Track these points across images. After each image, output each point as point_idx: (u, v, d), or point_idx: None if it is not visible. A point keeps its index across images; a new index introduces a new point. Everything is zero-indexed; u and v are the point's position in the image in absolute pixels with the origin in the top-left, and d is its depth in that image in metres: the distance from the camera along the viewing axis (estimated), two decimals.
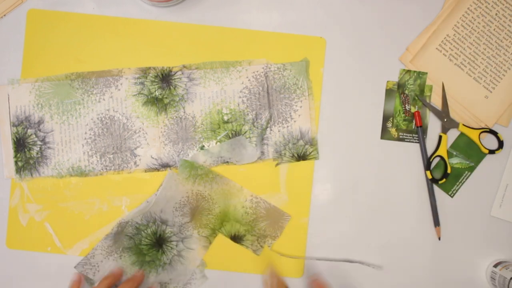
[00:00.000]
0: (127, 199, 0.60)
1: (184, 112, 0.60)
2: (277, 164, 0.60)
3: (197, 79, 0.60)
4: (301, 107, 0.60)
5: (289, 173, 0.60)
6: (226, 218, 0.59)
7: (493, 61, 0.61)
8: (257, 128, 0.60)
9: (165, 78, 0.60)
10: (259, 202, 0.60)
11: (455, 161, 0.61)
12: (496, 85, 0.61)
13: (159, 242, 0.59)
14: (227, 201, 0.59)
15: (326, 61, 0.61)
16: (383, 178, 0.61)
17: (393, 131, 0.61)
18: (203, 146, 0.60)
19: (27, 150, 0.60)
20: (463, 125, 0.61)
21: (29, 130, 0.60)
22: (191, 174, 0.59)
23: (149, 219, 0.59)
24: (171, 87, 0.60)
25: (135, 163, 0.60)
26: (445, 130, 0.61)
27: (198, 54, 0.61)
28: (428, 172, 0.60)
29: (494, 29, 0.61)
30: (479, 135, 0.60)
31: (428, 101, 0.61)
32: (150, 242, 0.59)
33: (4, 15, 0.61)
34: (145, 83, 0.60)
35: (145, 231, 0.59)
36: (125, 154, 0.60)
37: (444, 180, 0.60)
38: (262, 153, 0.60)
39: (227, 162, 0.60)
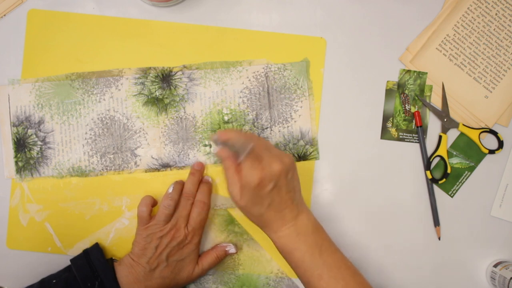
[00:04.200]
0: (127, 199, 0.60)
1: (185, 112, 0.60)
2: None
3: (198, 79, 0.60)
4: (301, 107, 0.60)
5: None
6: (247, 282, 0.59)
7: (493, 61, 0.61)
8: (258, 128, 0.60)
9: (166, 78, 0.60)
10: (283, 279, 0.60)
11: (455, 161, 0.61)
12: (496, 85, 0.61)
13: None
14: (253, 267, 0.60)
15: (327, 61, 0.61)
16: (383, 178, 0.61)
17: (393, 131, 0.61)
18: (206, 144, 0.60)
19: (27, 150, 0.60)
20: (463, 125, 0.61)
21: (29, 130, 0.60)
22: (227, 229, 0.60)
23: None
24: (172, 87, 0.60)
25: (135, 163, 0.60)
26: (445, 130, 0.61)
27: (199, 54, 0.61)
28: (428, 172, 0.60)
29: (494, 29, 0.61)
30: (479, 135, 0.60)
31: (428, 101, 0.61)
32: None
33: (5, 15, 0.61)
34: (146, 83, 0.60)
35: None
36: (125, 154, 0.60)
37: (444, 180, 0.60)
38: None
39: None
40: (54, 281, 0.53)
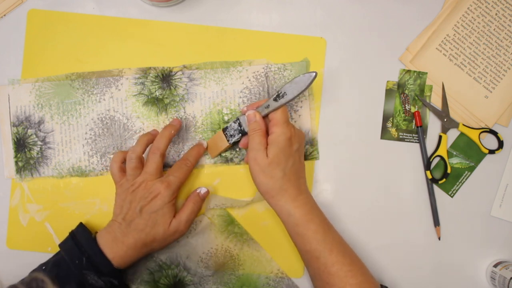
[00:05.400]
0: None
1: (185, 112, 0.60)
2: None
3: (198, 79, 0.60)
4: (301, 107, 0.60)
5: None
6: (247, 283, 0.59)
7: (493, 61, 0.61)
8: None
9: (166, 78, 0.60)
10: (283, 279, 0.59)
11: (455, 161, 0.61)
12: (496, 85, 0.61)
13: (177, 286, 0.59)
14: (253, 267, 0.59)
15: (327, 61, 0.61)
16: (383, 178, 0.61)
17: (393, 131, 0.61)
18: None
19: (27, 150, 0.60)
20: (463, 125, 0.61)
21: (29, 130, 0.60)
22: (227, 229, 0.59)
23: (173, 261, 0.59)
24: (172, 87, 0.60)
25: None
26: (445, 130, 0.61)
27: (199, 54, 0.61)
28: (428, 172, 0.60)
29: (494, 29, 0.61)
30: (479, 135, 0.60)
31: (428, 101, 0.61)
32: (168, 283, 0.59)
33: (5, 15, 0.61)
34: (146, 83, 0.60)
35: (167, 271, 0.59)
36: None
37: (444, 180, 0.60)
38: None
39: (227, 162, 0.60)
40: (43, 267, 0.52)
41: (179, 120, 0.58)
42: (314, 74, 0.50)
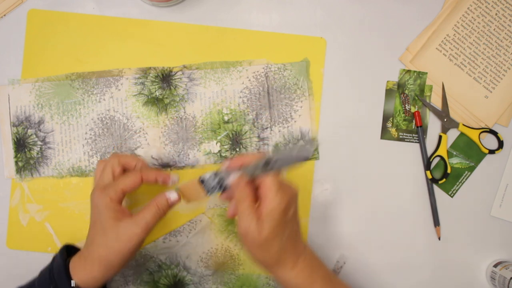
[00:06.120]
0: (127, 199, 0.60)
1: (185, 112, 0.60)
2: None
3: (198, 79, 0.60)
4: (301, 107, 0.60)
5: (289, 173, 0.60)
6: (246, 282, 0.59)
7: (493, 61, 0.61)
8: (258, 128, 0.60)
9: (166, 78, 0.60)
10: None
11: (455, 161, 0.61)
12: (496, 85, 0.61)
13: (177, 286, 0.59)
14: (253, 267, 0.59)
15: (327, 61, 0.61)
16: (383, 178, 0.61)
17: (393, 131, 0.61)
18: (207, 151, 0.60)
19: (27, 150, 0.60)
20: (463, 125, 0.61)
21: (29, 130, 0.60)
22: (227, 229, 0.59)
23: (173, 261, 0.59)
24: (172, 87, 0.60)
25: None
26: (445, 130, 0.61)
27: (199, 54, 0.61)
28: (428, 172, 0.60)
29: (494, 29, 0.61)
30: (479, 135, 0.60)
31: (428, 101, 0.61)
32: (168, 284, 0.59)
33: (4, 15, 0.61)
34: (146, 83, 0.60)
35: (166, 271, 0.59)
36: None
37: (444, 180, 0.60)
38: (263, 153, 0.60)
39: None
40: None
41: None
42: (312, 150, 0.44)
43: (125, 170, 0.52)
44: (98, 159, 0.60)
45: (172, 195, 0.49)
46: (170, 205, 0.50)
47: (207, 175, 0.48)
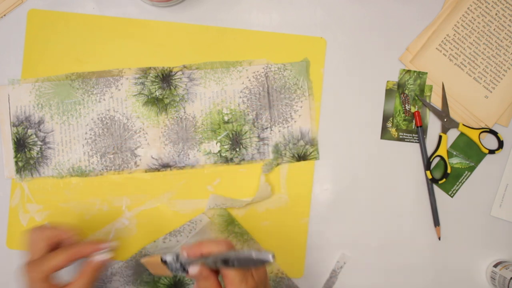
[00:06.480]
0: (127, 199, 0.60)
1: (185, 112, 0.60)
2: (271, 166, 0.60)
3: (198, 79, 0.60)
4: (301, 107, 0.60)
5: (290, 173, 0.60)
6: None
7: (493, 61, 0.61)
8: (258, 128, 0.60)
9: (166, 78, 0.60)
10: (283, 279, 0.59)
11: (455, 161, 0.61)
12: (496, 85, 0.61)
13: (177, 286, 0.59)
14: None
15: (327, 61, 0.61)
16: (383, 178, 0.61)
17: (393, 131, 0.61)
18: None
19: (27, 150, 0.60)
20: (463, 125, 0.61)
21: (29, 130, 0.60)
22: (228, 229, 0.59)
23: None
24: (172, 87, 0.60)
25: (135, 163, 0.60)
26: (445, 130, 0.61)
27: (199, 54, 0.61)
28: (428, 172, 0.60)
29: (494, 29, 0.61)
30: (479, 135, 0.60)
31: (428, 101, 0.61)
32: (168, 284, 0.59)
33: (4, 15, 0.61)
34: (146, 83, 0.60)
35: None
36: (125, 154, 0.60)
37: (444, 180, 0.60)
38: (263, 153, 0.60)
39: (227, 162, 0.60)
40: None
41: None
42: (271, 257, 0.40)
43: (58, 243, 0.50)
44: (98, 159, 0.60)
45: (97, 257, 0.48)
46: (96, 268, 0.49)
47: (168, 257, 0.46)
